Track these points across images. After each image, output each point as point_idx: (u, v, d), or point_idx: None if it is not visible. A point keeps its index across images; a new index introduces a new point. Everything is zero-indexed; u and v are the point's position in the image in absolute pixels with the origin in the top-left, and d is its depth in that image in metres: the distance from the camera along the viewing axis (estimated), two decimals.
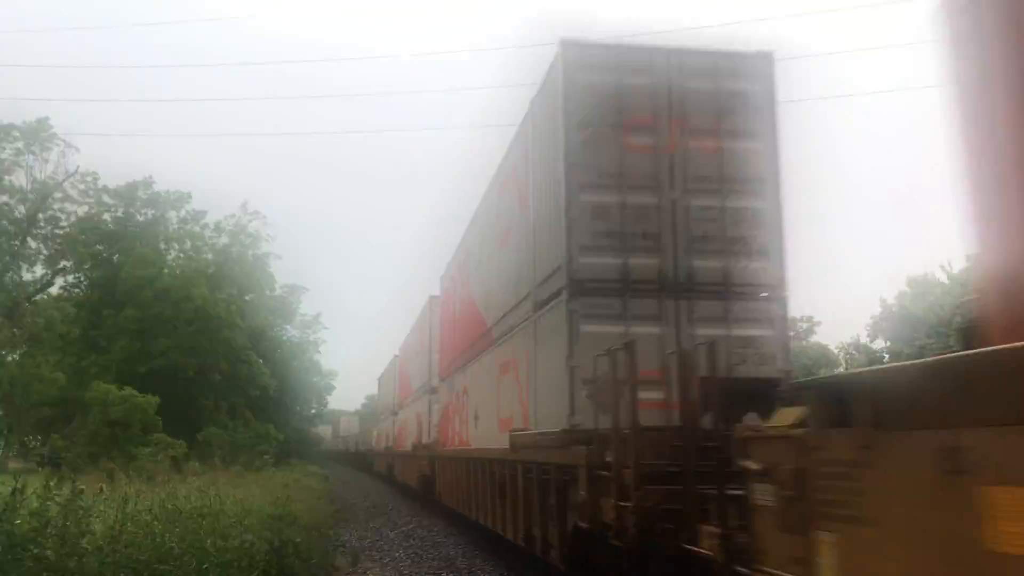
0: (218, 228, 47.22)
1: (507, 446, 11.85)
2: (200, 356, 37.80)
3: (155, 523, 8.36)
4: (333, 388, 64.20)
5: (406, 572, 14.47)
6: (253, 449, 33.51)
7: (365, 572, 14.38)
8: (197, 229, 46.30)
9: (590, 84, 9.89)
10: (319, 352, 58.43)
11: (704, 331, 8.94)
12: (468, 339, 17.90)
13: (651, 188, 9.53)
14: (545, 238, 10.84)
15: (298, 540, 11.74)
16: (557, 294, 10.02)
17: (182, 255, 45.06)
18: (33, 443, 38.23)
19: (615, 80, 9.85)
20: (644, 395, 7.67)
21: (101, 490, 7.90)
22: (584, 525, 8.32)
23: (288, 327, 55.23)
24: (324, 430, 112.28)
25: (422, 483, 26.15)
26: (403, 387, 36.02)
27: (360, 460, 62.14)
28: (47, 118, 39.67)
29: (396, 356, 38.79)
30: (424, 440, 26.55)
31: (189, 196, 45.78)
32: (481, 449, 15.41)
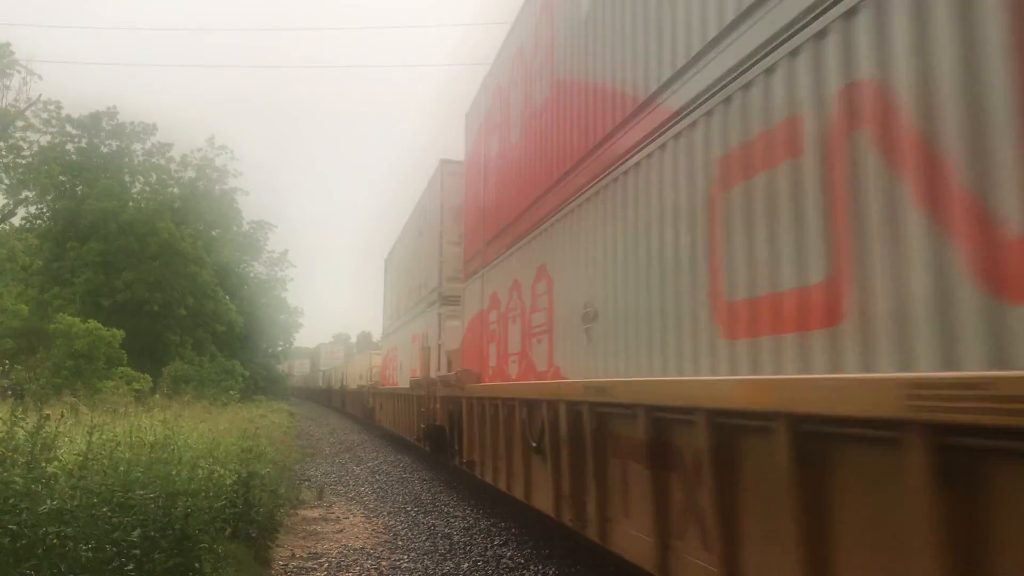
0: (184, 162, 46.50)
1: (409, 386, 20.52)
2: (165, 290, 37.47)
3: (121, 451, 8.39)
4: (300, 326, 64.12)
5: (371, 506, 14.66)
6: (219, 384, 33.50)
7: (331, 505, 14.55)
8: (163, 162, 45.51)
9: (455, 184, 16.67)
10: (286, 290, 58.23)
11: None
12: (397, 312, 26.37)
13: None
14: (430, 266, 18.94)
15: (264, 473, 11.84)
16: (433, 302, 18.04)
17: (147, 188, 44.31)
18: None
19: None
20: None
21: (62, 415, 7.87)
22: (436, 423, 16.44)
23: (255, 264, 54.90)
24: (301, 364, 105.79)
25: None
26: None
27: (355, 402, 45.39)
28: (8, 44, 38.62)
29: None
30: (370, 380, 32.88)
31: (155, 128, 44.99)
32: (401, 388, 23.31)
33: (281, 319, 58.30)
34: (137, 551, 6.13)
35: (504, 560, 10.25)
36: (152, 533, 6.46)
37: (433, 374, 17.10)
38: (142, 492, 7.11)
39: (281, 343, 61.98)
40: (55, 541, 5.58)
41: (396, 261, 28.26)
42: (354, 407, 44.35)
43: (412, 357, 21.31)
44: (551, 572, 9.60)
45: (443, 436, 15.81)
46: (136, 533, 6.30)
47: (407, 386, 20.96)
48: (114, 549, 6.02)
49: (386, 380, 28.46)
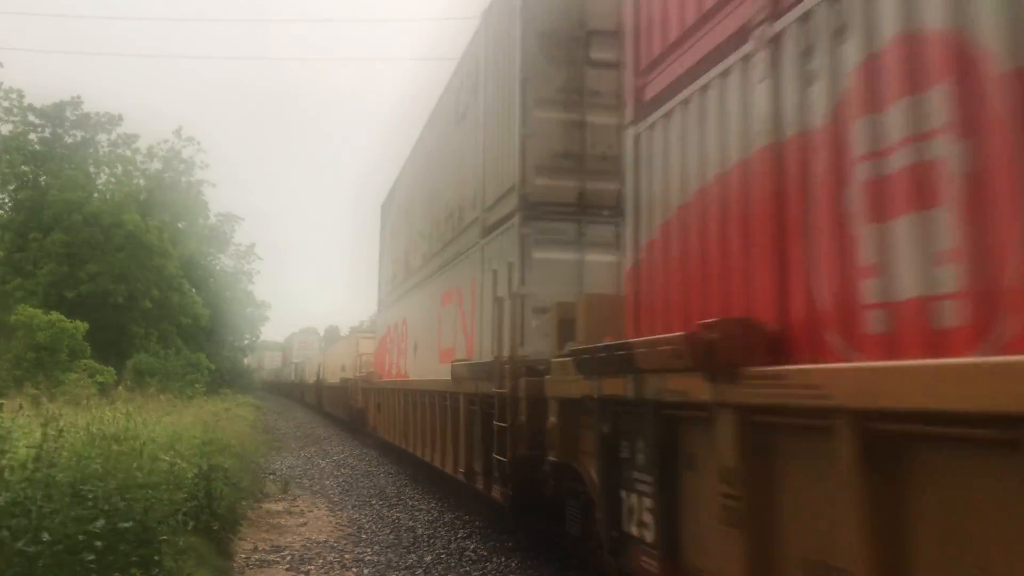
0: (150, 153, 45.89)
1: (447, 377, 11.57)
2: (130, 283, 37.01)
3: (79, 444, 8.29)
4: (266, 319, 63.58)
5: (336, 500, 14.62)
6: (184, 378, 33.18)
7: (295, 499, 14.51)
8: (128, 153, 44.90)
9: None
10: (252, 283, 57.75)
11: None
12: (407, 269, 17.97)
13: (614, 107, 8.21)
14: (496, 158, 10.22)
15: (227, 466, 11.77)
16: (508, 217, 9.60)
17: (112, 179, 43.68)
18: None
19: None
20: None
21: (20, 407, 7.74)
22: (527, 452, 8.04)
23: (222, 256, 54.41)
24: (272, 357, 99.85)
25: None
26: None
27: (336, 400, 35.32)
28: None
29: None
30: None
31: (120, 119, 44.36)
32: (420, 380, 15.04)
33: (248, 312, 57.83)
34: (100, 543, 6.07)
35: (467, 553, 10.28)
36: (118, 524, 6.41)
37: (530, 348, 8.81)
38: (101, 483, 7.05)
39: (248, 336, 61.52)
40: (6, 534, 5.51)
41: (405, 191, 19.41)
42: (335, 406, 35.37)
43: (444, 329, 13.48)
44: (514, 564, 9.65)
45: (580, 497, 7.39)
46: (100, 524, 6.24)
47: (441, 378, 12.43)
48: (81, 539, 5.96)
49: (386, 371, 20.89)
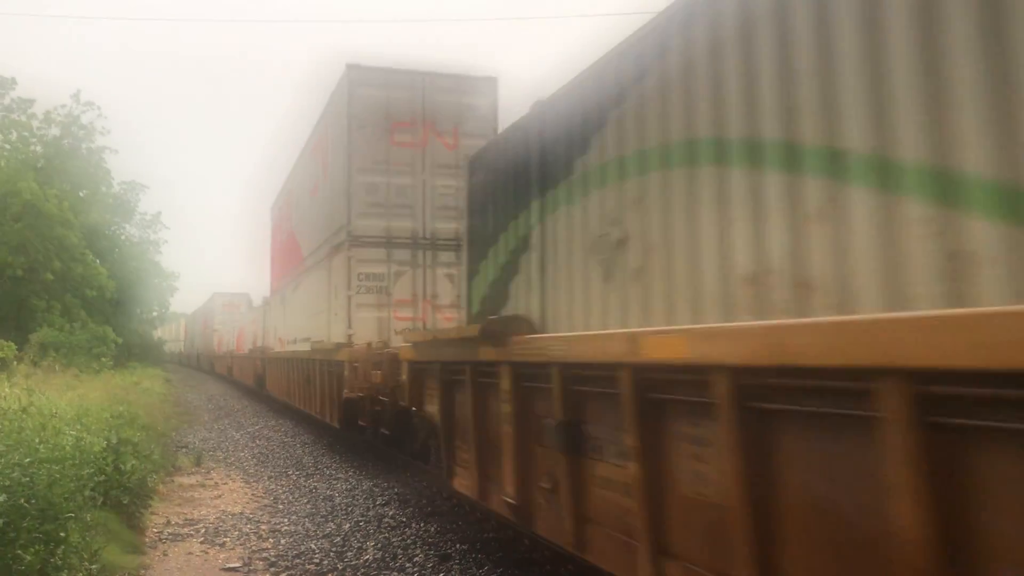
0: (48, 119, 43.95)
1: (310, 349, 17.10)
2: (29, 254, 35.52)
3: None
4: (176, 290, 61.63)
5: (251, 471, 14.40)
6: (90, 351, 32.18)
7: (209, 472, 14.24)
8: (23, 119, 42.99)
9: (367, 96, 14.30)
10: (160, 253, 55.92)
11: (443, 272, 14.16)
12: (290, 264, 22.61)
13: (408, 172, 14.28)
14: (336, 202, 15.17)
15: (137, 439, 11.45)
16: (341, 245, 14.51)
17: (7, 147, 41.78)
18: None
19: (385, 94, 14.30)
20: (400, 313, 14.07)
21: None
22: (349, 394, 13.33)
23: (127, 226, 52.58)
24: (229, 305, 76.17)
25: (255, 379, 30.62)
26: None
27: None
28: None
29: None
30: (258, 344, 30.04)
31: (14, 82, 42.34)
32: (294, 352, 20.40)
33: (156, 283, 56.16)
34: (1, 520, 5.85)
35: (386, 519, 10.25)
36: (21, 501, 6.18)
37: (258, 344, 10.10)
38: (0, 459, 6.78)
39: (156, 308, 59.79)
40: None
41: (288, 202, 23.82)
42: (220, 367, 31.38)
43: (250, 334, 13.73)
44: (432, 529, 9.66)
45: (261, 377, 15.76)
46: (1, 499, 6.00)
47: (246, 352, 10.48)
48: None
49: (239, 348, 18.86)
